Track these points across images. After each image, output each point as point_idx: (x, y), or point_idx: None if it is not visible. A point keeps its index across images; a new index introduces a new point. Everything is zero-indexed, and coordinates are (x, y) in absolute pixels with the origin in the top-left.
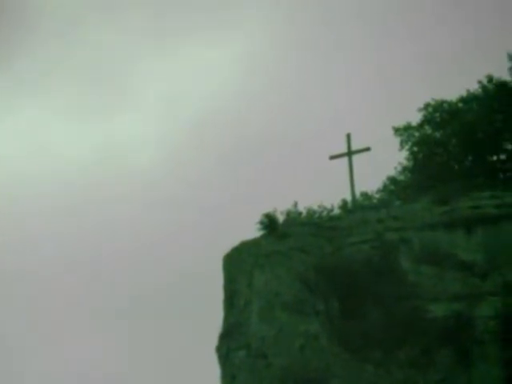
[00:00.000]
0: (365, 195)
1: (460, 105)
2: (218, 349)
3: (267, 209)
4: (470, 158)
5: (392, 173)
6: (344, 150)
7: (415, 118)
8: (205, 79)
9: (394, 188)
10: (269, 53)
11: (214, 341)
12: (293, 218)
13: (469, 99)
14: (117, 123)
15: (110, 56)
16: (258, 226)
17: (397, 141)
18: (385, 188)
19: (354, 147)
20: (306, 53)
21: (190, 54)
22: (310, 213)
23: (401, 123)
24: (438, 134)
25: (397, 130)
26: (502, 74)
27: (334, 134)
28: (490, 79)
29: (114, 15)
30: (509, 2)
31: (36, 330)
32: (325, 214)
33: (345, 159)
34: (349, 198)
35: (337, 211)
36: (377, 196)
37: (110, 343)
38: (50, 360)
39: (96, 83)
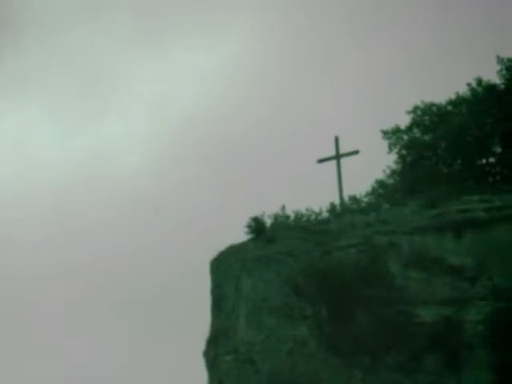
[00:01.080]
0: (353, 199)
1: (449, 108)
2: (206, 353)
3: (255, 212)
4: (459, 161)
5: (380, 176)
6: (332, 153)
7: (404, 121)
8: (192, 82)
9: (383, 191)
10: (256, 56)
11: (201, 345)
12: (280, 221)
13: (458, 102)
14: (102, 126)
15: (96, 59)
16: (246, 229)
17: (385, 144)
18: (373, 191)
19: (342, 150)
20: (293, 56)
21: (178, 57)
22: (298, 216)
23: (389, 126)
24: (426, 137)
25: (385, 133)
26: (491, 77)
27: (322, 137)
28: (480, 82)
29: (101, 18)
30: (498, 4)
31: (24, 336)
32: (313, 217)
33: (333, 162)
34: (337, 201)
35: (325, 215)
36: (365, 199)
37: (97, 347)
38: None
39: (82, 86)
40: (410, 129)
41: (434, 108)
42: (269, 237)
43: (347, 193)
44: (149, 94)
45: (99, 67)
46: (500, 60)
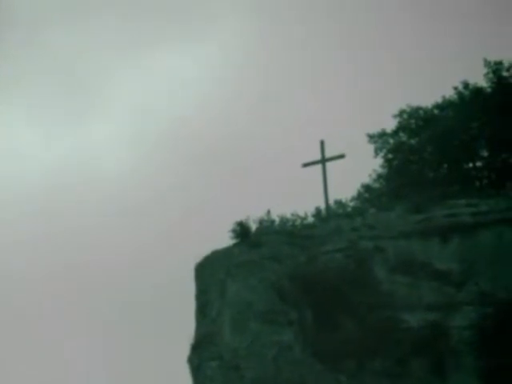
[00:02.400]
0: (339, 203)
1: (435, 111)
2: (190, 360)
3: (240, 217)
4: (445, 165)
5: (366, 180)
6: (318, 157)
7: (390, 125)
8: (175, 86)
9: (369, 196)
10: (240, 60)
11: (185, 351)
12: (266, 226)
13: (444, 106)
14: (87, 129)
15: (80, 62)
16: (231, 234)
17: (371, 148)
18: (359, 196)
19: (327, 154)
20: (279, 61)
21: (162, 61)
22: (283, 221)
23: (375, 130)
24: (413, 141)
25: (371, 137)
26: (477, 81)
27: (307, 141)
28: (466, 85)
29: (85, 22)
30: (484, 8)
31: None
32: (298, 222)
33: (318, 166)
34: (323, 206)
35: (310, 219)
36: (351, 204)
37: (82, 351)
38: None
39: (68, 91)
40: (396, 133)
41: (420, 112)
42: (254, 242)
43: (333, 197)
44: (133, 97)
45: (83, 70)
46: (487, 63)
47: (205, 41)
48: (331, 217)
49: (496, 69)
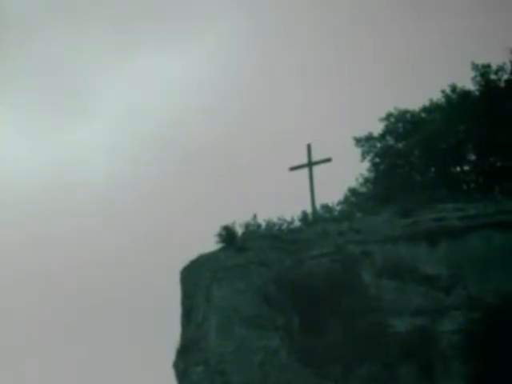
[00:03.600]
0: (325, 207)
1: (423, 115)
2: (176, 365)
3: (226, 221)
4: (432, 169)
5: (353, 184)
6: (304, 160)
7: (377, 129)
8: (162, 90)
9: (356, 200)
10: (227, 63)
11: (171, 357)
12: (252, 230)
13: (432, 109)
14: (75, 131)
15: (70, 65)
16: (217, 238)
17: (358, 151)
18: (346, 200)
19: (314, 158)
20: (266, 63)
21: (148, 65)
22: (270, 225)
23: (362, 133)
24: (400, 145)
25: (358, 141)
26: (465, 84)
27: (294, 145)
28: (454, 89)
29: (76, 25)
30: (471, 10)
31: None
32: (285, 226)
33: (305, 170)
34: (309, 210)
35: (297, 224)
36: (338, 208)
37: (66, 355)
38: None
39: (56, 91)
40: (383, 136)
41: (407, 115)
42: (240, 246)
43: (319, 201)
44: (119, 100)
45: (72, 71)
46: (475, 66)
47: (193, 42)
48: (318, 221)
49: (484, 72)
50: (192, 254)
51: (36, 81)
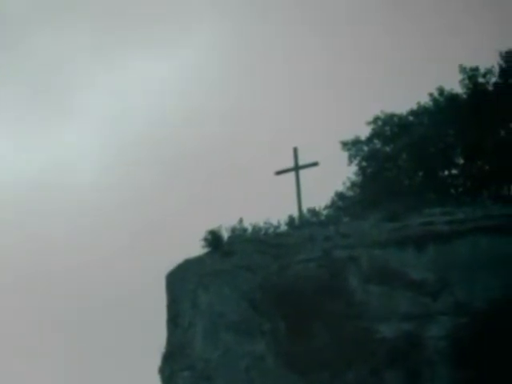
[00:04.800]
0: (312, 211)
1: (410, 118)
2: (161, 370)
3: (212, 225)
4: (420, 173)
5: (340, 188)
6: (291, 164)
7: (364, 132)
8: (152, 91)
9: (343, 204)
10: (213, 68)
11: (156, 362)
12: (238, 234)
13: (419, 112)
14: (58, 136)
15: (55, 68)
16: (202, 243)
17: (345, 155)
18: (333, 204)
19: (301, 162)
20: (252, 67)
21: (134, 69)
22: (256, 229)
23: (349, 137)
24: (387, 149)
25: (345, 144)
26: (453, 87)
27: (280, 148)
28: (442, 92)
29: (63, 26)
30: (458, 13)
31: None
32: (271, 230)
33: (291, 174)
34: (296, 214)
35: (283, 228)
36: (324, 212)
37: (51, 359)
38: None
39: (40, 95)
40: (370, 140)
41: (394, 118)
42: (226, 250)
43: (306, 205)
44: (105, 103)
45: (56, 76)
46: (462, 69)
47: (181, 43)
48: (304, 225)
49: (472, 75)
50: (178, 258)
51: (22, 82)
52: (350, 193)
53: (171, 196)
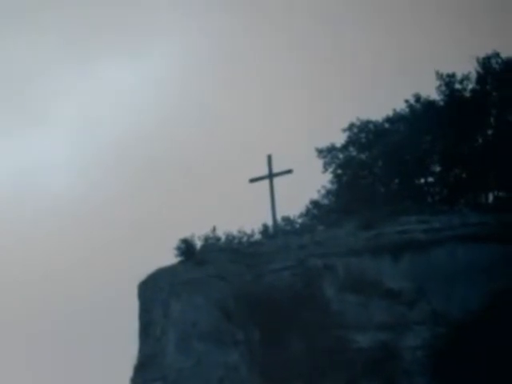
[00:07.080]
0: (287, 220)
1: (386, 125)
2: (133, 380)
3: (184, 234)
4: (396, 180)
5: (315, 196)
6: (265, 172)
7: (339, 139)
8: (122, 101)
9: (317, 212)
10: (187, 74)
11: (128, 372)
12: (211, 243)
13: (395, 119)
14: (29, 143)
15: (27, 76)
16: (175, 251)
17: (320, 163)
18: (307, 212)
19: (275, 169)
20: (225, 72)
21: (108, 76)
22: (230, 238)
23: (324, 144)
24: (363, 156)
25: (320, 152)
26: (429, 93)
27: (254, 156)
28: (418, 98)
29: (34, 35)
30: (436, 19)
31: None
32: (245, 239)
33: (266, 182)
34: (270, 222)
35: (257, 237)
36: (299, 221)
37: (19, 370)
38: None
39: (10, 103)
40: (345, 147)
41: (370, 125)
42: (199, 259)
43: (280, 214)
44: (77, 110)
45: (27, 85)
46: (439, 76)
47: (151, 51)
48: (279, 234)
49: (449, 81)
50: (150, 267)
51: None
52: (325, 201)
53: (143, 204)
